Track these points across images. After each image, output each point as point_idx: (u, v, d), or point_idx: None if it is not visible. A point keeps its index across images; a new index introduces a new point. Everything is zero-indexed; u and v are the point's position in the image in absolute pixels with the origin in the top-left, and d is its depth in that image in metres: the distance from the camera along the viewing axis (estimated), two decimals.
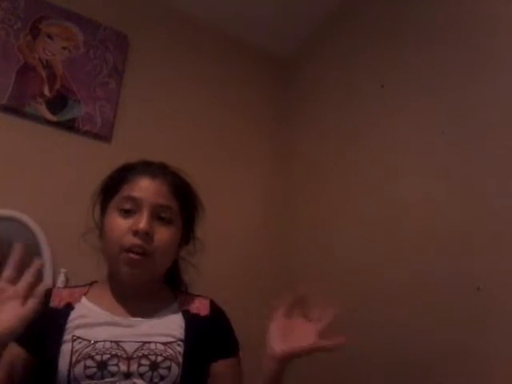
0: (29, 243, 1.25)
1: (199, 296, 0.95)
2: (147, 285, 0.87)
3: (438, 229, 1.19)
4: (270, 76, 2.10)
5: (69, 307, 0.82)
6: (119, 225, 0.83)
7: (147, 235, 0.81)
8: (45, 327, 0.78)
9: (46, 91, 1.47)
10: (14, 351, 0.76)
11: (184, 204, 0.91)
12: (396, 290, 1.27)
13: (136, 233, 0.81)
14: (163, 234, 0.84)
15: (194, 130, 1.77)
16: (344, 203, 1.57)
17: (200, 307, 0.90)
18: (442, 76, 1.29)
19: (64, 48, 1.55)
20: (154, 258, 0.83)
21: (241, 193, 1.81)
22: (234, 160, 1.84)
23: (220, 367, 0.85)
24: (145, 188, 0.85)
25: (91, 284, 0.91)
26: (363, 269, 1.40)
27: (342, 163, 1.63)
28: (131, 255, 0.80)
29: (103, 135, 1.53)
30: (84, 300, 0.85)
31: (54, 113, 1.46)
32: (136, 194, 0.84)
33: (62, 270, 1.27)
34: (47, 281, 1.23)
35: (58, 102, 1.48)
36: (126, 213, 0.83)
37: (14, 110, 1.40)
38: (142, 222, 0.81)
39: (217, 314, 0.92)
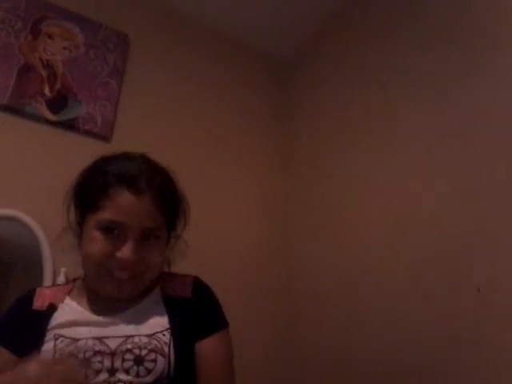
0: (29, 243, 1.25)
1: (182, 276, 0.90)
2: None
3: (438, 230, 1.19)
4: (269, 77, 2.10)
5: (52, 308, 0.81)
6: (101, 244, 0.76)
7: (134, 263, 0.77)
8: (28, 329, 0.77)
9: (47, 91, 1.47)
10: (3, 355, 0.74)
11: (170, 212, 0.85)
12: (396, 291, 1.27)
13: (121, 260, 0.76)
14: (152, 252, 0.79)
15: (193, 130, 1.77)
16: (344, 203, 1.57)
17: (183, 288, 0.86)
18: (442, 78, 1.29)
19: (64, 48, 1.56)
20: (143, 278, 0.80)
21: (241, 193, 1.81)
22: (235, 161, 1.84)
23: (203, 345, 0.80)
24: (129, 210, 0.76)
25: (74, 281, 0.90)
26: (364, 269, 1.41)
27: (342, 164, 1.63)
28: (119, 274, 0.77)
29: (103, 135, 1.53)
30: (67, 300, 0.83)
31: (54, 112, 1.46)
32: (120, 218, 0.76)
33: (62, 270, 1.27)
34: (47, 281, 1.23)
35: (59, 102, 1.48)
36: (109, 233, 0.76)
37: (15, 109, 1.40)
38: (127, 252, 0.75)
39: (200, 293, 0.87)
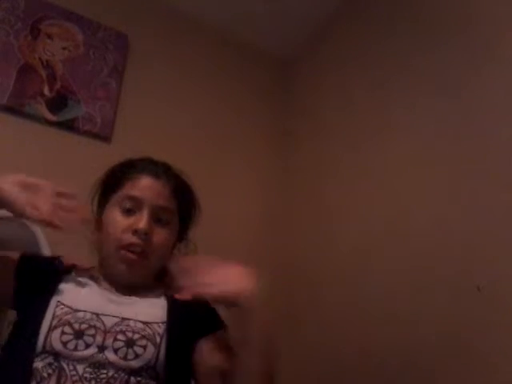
0: (29, 243, 1.25)
1: None
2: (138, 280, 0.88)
3: (438, 229, 1.19)
4: (270, 76, 2.10)
5: (72, 267, 0.88)
6: (119, 222, 0.85)
7: (146, 235, 0.83)
8: (42, 277, 0.83)
9: (46, 91, 1.47)
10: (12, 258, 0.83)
11: (183, 205, 0.93)
12: (396, 289, 1.27)
13: (135, 232, 0.83)
14: (161, 236, 0.87)
15: (193, 129, 1.77)
16: (344, 202, 1.57)
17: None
18: (443, 76, 1.29)
19: (64, 48, 1.56)
20: (150, 259, 0.85)
21: (241, 192, 1.81)
22: (234, 159, 1.84)
23: (203, 341, 0.82)
24: (147, 187, 0.88)
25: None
26: (363, 267, 1.41)
27: (341, 163, 1.63)
28: (129, 254, 0.83)
29: (103, 135, 1.53)
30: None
31: (54, 113, 1.46)
32: (138, 193, 0.87)
33: None
34: None
35: (58, 102, 1.48)
36: (127, 211, 0.86)
37: (14, 109, 1.40)
38: (142, 222, 0.83)
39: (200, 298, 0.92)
